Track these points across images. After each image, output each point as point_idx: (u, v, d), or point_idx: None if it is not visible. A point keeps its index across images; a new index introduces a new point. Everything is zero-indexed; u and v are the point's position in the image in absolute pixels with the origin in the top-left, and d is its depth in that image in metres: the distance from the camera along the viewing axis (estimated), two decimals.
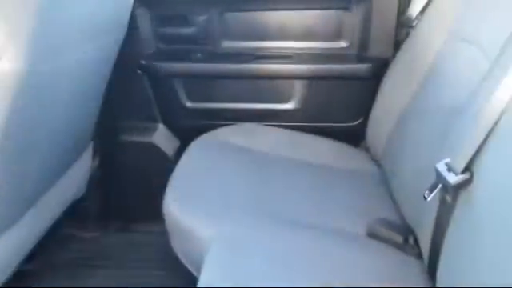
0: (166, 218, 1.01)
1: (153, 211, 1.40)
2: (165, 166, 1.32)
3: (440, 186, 0.74)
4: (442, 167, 0.73)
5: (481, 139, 0.67)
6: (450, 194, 0.73)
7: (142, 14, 1.40)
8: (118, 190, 1.57)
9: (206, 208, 0.97)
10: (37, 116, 0.93)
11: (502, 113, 0.66)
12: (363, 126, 1.37)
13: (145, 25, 1.43)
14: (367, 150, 1.35)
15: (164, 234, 1.36)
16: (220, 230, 0.89)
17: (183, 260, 0.96)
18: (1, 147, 0.84)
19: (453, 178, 0.70)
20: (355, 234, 0.95)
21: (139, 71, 1.47)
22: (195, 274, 0.92)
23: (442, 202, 0.76)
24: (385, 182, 1.15)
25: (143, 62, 1.45)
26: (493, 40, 0.81)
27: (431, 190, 0.76)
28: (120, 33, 1.23)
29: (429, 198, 0.76)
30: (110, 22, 1.14)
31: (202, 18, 1.43)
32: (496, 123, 0.66)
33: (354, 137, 1.43)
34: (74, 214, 1.42)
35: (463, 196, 0.71)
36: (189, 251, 0.94)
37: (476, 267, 0.65)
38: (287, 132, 1.38)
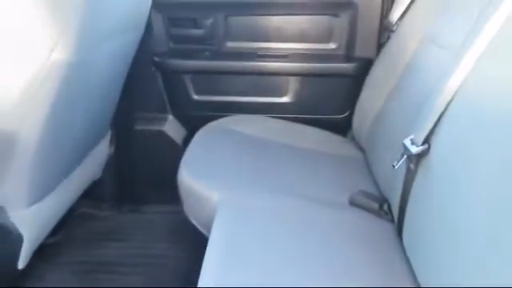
0: (180, 187, 1.16)
1: (162, 194, 1.55)
2: (173, 153, 1.45)
3: (405, 156, 0.92)
4: (407, 142, 0.90)
5: (435, 119, 0.84)
6: (413, 162, 0.89)
7: (156, 17, 1.54)
8: (131, 173, 1.70)
9: (214, 177, 1.12)
10: (74, 101, 1.09)
11: (452, 98, 0.82)
12: (350, 118, 1.50)
13: (158, 26, 1.56)
14: (353, 139, 1.49)
15: (173, 214, 1.52)
16: (227, 194, 1.05)
17: (195, 223, 1.12)
18: (47, 126, 1.00)
19: (414, 149, 0.86)
20: (339, 203, 1.10)
21: (152, 67, 1.60)
22: (206, 233, 1.08)
23: (408, 170, 0.92)
24: (367, 165, 1.31)
25: (156, 59, 1.59)
26: (454, 40, 0.96)
27: (398, 160, 0.94)
28: (138, 32, 1.39)
29: (396, 166, 0.93)
30: (131, 22, 1.30)
31: (208, 21, 1.56)
32: (447, 106, 0.83)
33: (342, 128, 1.57)
34: (90, 195, 1.56)
35: (423, 163, 0.87)
36: (200, 214, 1.09)
37: (432, 224, 0.80)
38: (282, 122, 1.52)
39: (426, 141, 0.86)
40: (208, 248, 0.91)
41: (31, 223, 1.11)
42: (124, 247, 1.50)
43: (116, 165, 1.67)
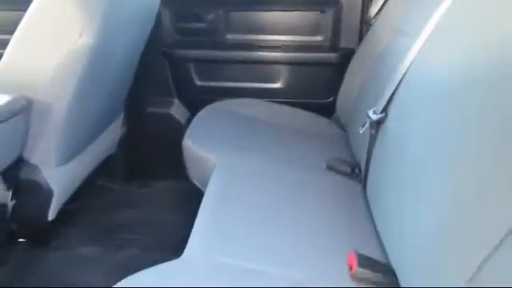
0: (185, 153, 1.35)
1: (168, 169, 1.73)
2: (179, 133, 1.60)
3: (368, 123, 1.11)
4: (370, 112, 1.09)
5: (391, 92, 1.03)
6: (374, 128, 1.08)
7: (164, 12, 1.73)
8: (141, 151, 1.88)
9: (213, 144, 1.31)
10: (95, 79, 1.29)
11: (405, 74, 1.00)
12: (334, 103, 1.67)
13: (166, 20, 1.75)
14: (337, 121, 1.66)
15: (177, 187, 1.70)
16: (222, 157, 1.23)
17: (196, 182, 1.32)
18: (75, 98, 1.20)
19: (375, 117, 1.05)
20: (318, 167, 1.28)
21: (161, 56, 1.78)
22: (204, 190, 1.26)
23: (370, 135, 1.11)
24: (347, 141, 1.49)
25: (164, 49, 1.78)
26: (414, 28, 1.11)
27: (363, 127, 1.13)
28: (149, 25, 1.58)
29: (361, 132, 1.12)
30: (143, 16, 1.49)
31: (211, 16, 1.75)
32: (401, 80, 1.01)
33: (328, 111, 1.73)
34: (106, 170, 1.74)
35: (382, 129, 1.05)
36: (201, 174, 1.27)
37: (388, 178, 0.96)
38: (274, 105, 1.70)
39: (384, 110, 1.04)
40: (204, 196, 1.10)
41: (59, 181, 1.31)
42: (135, 213, 1.68)
43: (127, 143, 1.84)
